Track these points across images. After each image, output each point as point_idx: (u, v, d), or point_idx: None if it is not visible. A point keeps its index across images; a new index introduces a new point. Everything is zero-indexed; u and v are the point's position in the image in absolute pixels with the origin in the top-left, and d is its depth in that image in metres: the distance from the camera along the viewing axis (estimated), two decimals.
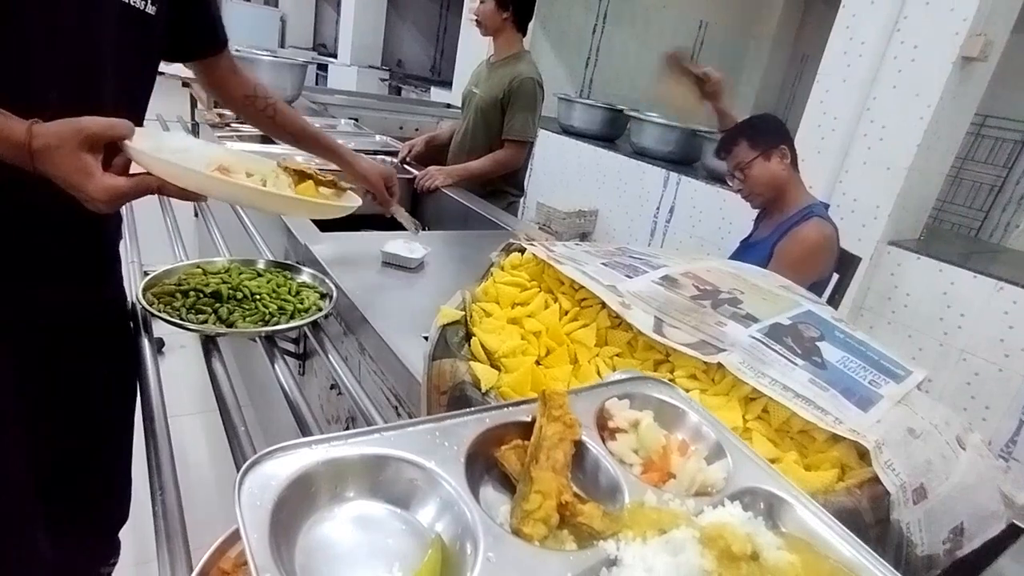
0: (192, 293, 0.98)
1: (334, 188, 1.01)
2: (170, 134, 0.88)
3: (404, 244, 1.27)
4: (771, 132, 1.69)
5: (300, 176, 0.96)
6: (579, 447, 0.53)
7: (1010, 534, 0.67)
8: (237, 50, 2.97)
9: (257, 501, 0.38)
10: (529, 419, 0.54)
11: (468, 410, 0.53)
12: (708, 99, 1.90)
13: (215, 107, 2.56)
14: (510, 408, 0.55)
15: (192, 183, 0.77)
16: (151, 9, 0.81)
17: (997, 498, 0.66)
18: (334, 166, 1.32)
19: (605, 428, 0.57)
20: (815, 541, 0.49)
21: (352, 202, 1.03)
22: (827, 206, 1.76)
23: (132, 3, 0.78)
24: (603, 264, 0.89)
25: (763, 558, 0.45)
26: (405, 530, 0.44)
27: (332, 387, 1.10)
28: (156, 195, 0.76)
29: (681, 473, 0.53)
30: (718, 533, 0.44)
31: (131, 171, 0.74)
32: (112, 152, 0.72)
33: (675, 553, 0.43)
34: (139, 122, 0.90)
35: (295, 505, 0.41)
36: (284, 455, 0.43)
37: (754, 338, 0.76)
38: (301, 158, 1.56)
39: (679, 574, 0.42)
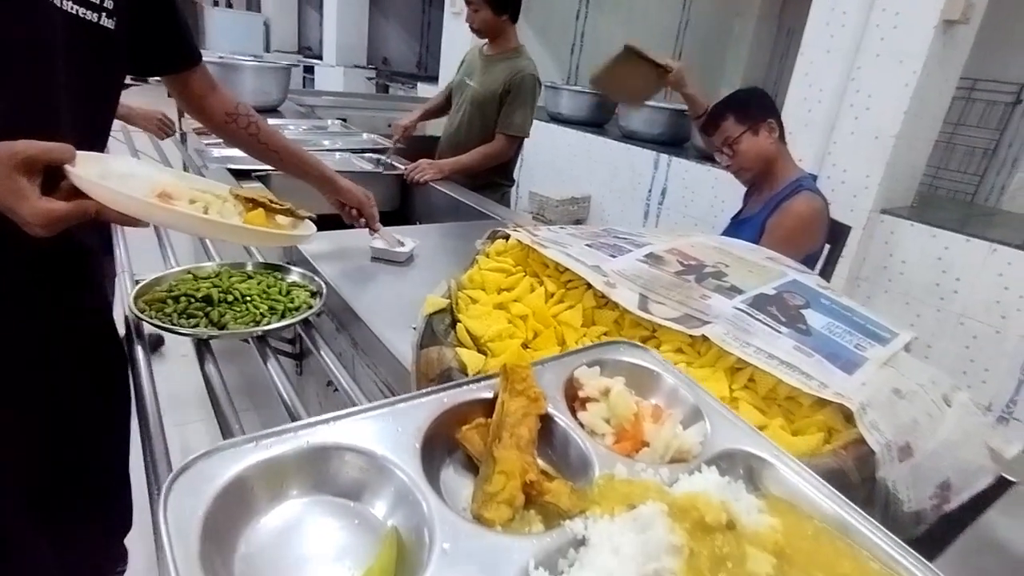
0: (183, 298, 0.99)
1: (291, 216, 1.00)
2: (118, 158, 0.87)
3: (392, 238, 1.28)
4: (758, 106, 1.69)
5: (252, 204, 0.94)
6: (546, 421, 0.51)
7: (998, 487, 0.68)
8: (221, 57, 2.97)
9: (186, 512, 0.36)
10: (492, 395, 0.52)
11: (424, 391, 0.51)
12: (674, 88, 1.88)
13: None
14: (471, 385, 0.53)
15: (131, 209, 0.76)
16: (108, 23, 0.79)
17: (984, 453, 0.67)
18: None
19: (575, 398, 0.56)
20: (798, 501, 0.48)
21: (306, 231, 1.01)
22: (815, 177, 1.76)
23: (83, 16, 0.76)
24: (587, 245, 0.89)
25: (741, 525, 0.44)
26: (358, 524, 0.42)
27: (328, 384, 1.11)
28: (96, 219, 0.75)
29: (655, 441, 0.52)
30: (691, 504, 0.43)
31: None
32: (59, 176, 0.71)
33: (642, 530, 0.42)
34: (103, 138, 0.89)
35: (232, 510, 0.39)
36: (219, 455, 0.41)
37: (738, 309, 0.76)
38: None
39: (646, 551, 0.40)
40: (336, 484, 0.44)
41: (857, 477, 0.59)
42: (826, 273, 1.81)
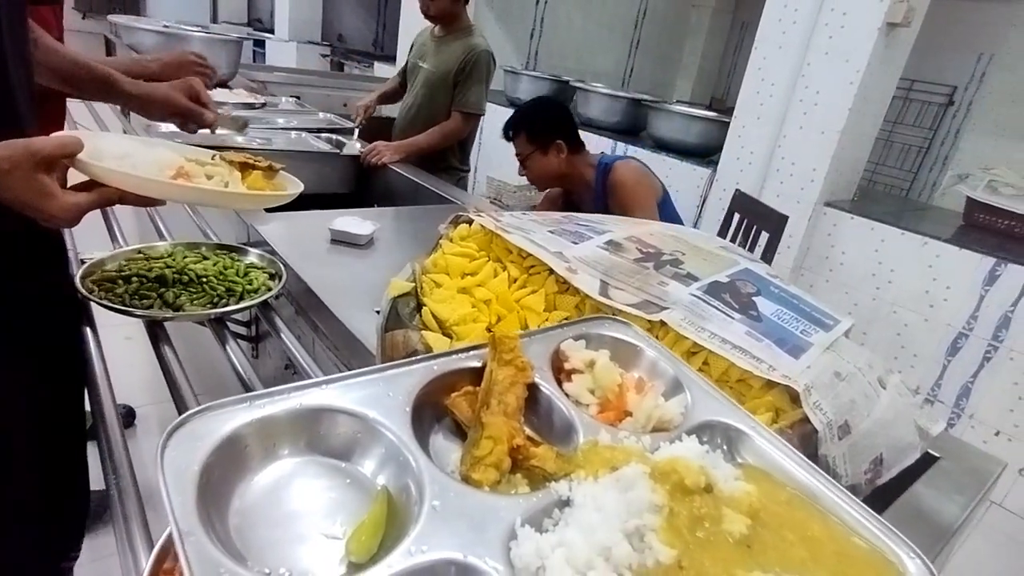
0: (135, 279, 0.96)
1: (268, 171, 0.99)
2: (104, 137, 0.87)
3: (353, 221, 1.27)
4: (548, 126, 1.73)
5: (243, 167, 0.96)
6: (532, 390, 0.53)
7: (924, 462, 0.73)
8: (166, 25, 2.83)
9: (182, 465, 0.37)
10: (480, 365, 0.54)
11: (415, 358, 0.52)
12: None
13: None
14: (460, 355, 0.54)
15: (157, 192, 0.78)
16: None
17: (913, 431, 0.72)
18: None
19: (561, 370, 0.57)
20: (773, 471, 0.51)
21: (297, 187, 1.03)
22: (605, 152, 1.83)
23: None
24: (550, 232, 0.91)
25: (718, 489, 0.46)
26: (349, 484, 0.44)
27: (287, 367, 1.10)
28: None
29: (637, 411, 0.54)
30: (671, 467, 0.45)
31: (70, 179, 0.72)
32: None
33: (625, 490, 0.44)
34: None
35: (227, 467, 0.40)
36: (215, 413, 0.41)
37: (694, 296, 0.80)
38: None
39: (629, 510, 0.42)
40: (328, 445, 0.45)
41: (802, 454, 0.63)
42: (766, 260, 1.90)
